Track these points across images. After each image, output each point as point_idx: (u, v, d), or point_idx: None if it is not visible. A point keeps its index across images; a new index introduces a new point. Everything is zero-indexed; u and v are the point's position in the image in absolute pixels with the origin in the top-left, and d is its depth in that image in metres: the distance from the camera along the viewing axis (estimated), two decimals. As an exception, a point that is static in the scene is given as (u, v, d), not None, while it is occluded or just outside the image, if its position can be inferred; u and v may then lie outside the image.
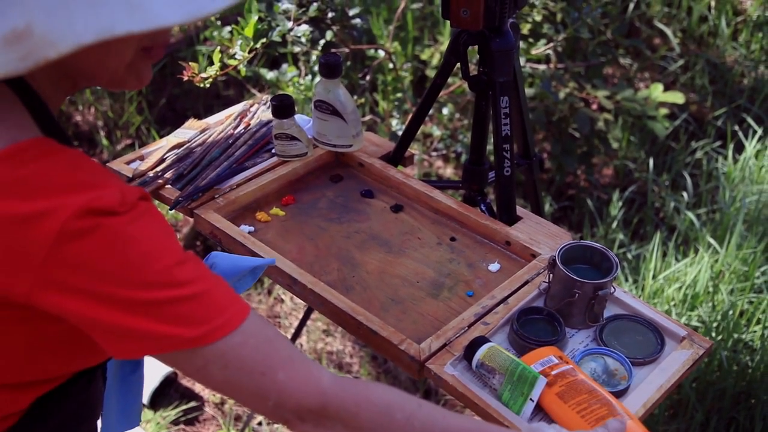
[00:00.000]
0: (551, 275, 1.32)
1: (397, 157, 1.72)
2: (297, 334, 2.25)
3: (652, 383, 1.21)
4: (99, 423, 1.22)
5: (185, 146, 1.68)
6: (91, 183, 0.85)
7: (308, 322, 2.62)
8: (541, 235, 1.49)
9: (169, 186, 1.58)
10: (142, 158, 1.67)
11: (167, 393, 2.40)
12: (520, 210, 1.57)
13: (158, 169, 1.61)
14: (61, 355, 0.97)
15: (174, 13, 0.78)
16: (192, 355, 0.88)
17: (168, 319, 0.86)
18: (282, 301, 2.71)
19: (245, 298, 2.69)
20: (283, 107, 1.59)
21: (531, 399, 1.14)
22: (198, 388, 2.44)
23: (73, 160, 0.87)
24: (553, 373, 1.17)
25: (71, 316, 0.86)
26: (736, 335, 2.35)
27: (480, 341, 1.22)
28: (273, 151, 1.67)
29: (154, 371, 2.35)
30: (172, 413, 2.31)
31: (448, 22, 3.29)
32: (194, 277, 0.89)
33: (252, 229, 1.52)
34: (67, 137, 0.94)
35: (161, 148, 1.67)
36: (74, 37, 0.76)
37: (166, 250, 0.88)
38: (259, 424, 2.35)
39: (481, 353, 1.19)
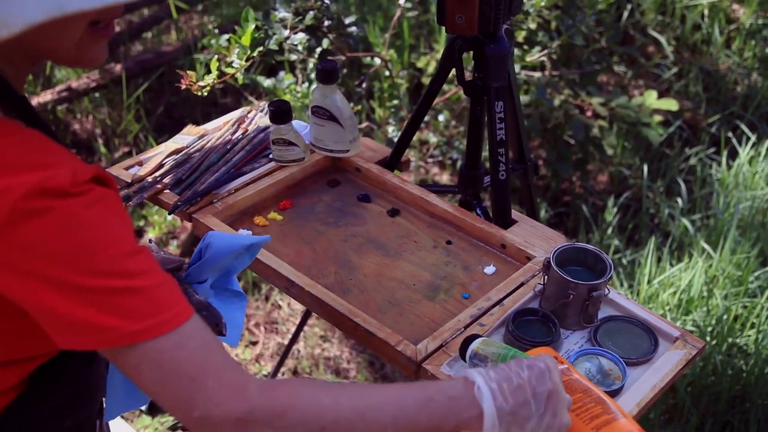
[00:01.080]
0: (546, 277, 1.34)
1: (394, 162, 1.74)
2: (294, 340, 2.27)
3: (645, 383, 1.23)
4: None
5: (184, 152, 1.69)
6: (42, 163, 0.85)
7: (305, 328, 2.63)
8: (536, 238, 1.50)
9: (167, 191, 1.59)
10: (140, 164, 1.69)
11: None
12: (515, 213, 1.59)
13: (157, 174, 1.63)
14: (30, 335, 0.96)
15: None
16: (129, 352, 0.88)
17: (111, 309, 0.86)
18: (279, 307, 2.72)
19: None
20: (281, 113, 1.61)
21: None
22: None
23: (26, 141, 0.87)
24: (548, 372, 1.18)
25: (18, 298, 0.86)
26: (730, 339, 2.37)
27: (472, 337, 1.22)
28: (271, 156, 1.69)
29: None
30: (170, 419, 2.32)
31: (443, 31, 3.32)
32: (143, 269, 0.88)
33: (250, 233, 1.53)
34: (34, 115, 0.95)
35: (160, 153, 1.69)
36: (25, 17, 0.77)
37: (119, 239, 0.87)
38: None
39: (474, 345, 1.21)
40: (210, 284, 1.22)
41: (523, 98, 3.03)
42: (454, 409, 0.97)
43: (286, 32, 2.02)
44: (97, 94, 3.40)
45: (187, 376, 0.89)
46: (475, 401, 0.98)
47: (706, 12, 3.99)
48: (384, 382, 2.49)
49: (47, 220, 0.83)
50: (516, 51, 2.81)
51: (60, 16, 0.78)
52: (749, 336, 2.41)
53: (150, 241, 1.36)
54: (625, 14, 3.83)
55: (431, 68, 3.28)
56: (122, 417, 2.32)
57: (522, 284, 1.40)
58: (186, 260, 1.26)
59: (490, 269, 1.47)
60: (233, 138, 1.73)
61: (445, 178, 3.21)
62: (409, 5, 3.32)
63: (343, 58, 2.56)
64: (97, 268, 0.85)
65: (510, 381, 0.99)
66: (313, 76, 2.72)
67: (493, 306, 1.35)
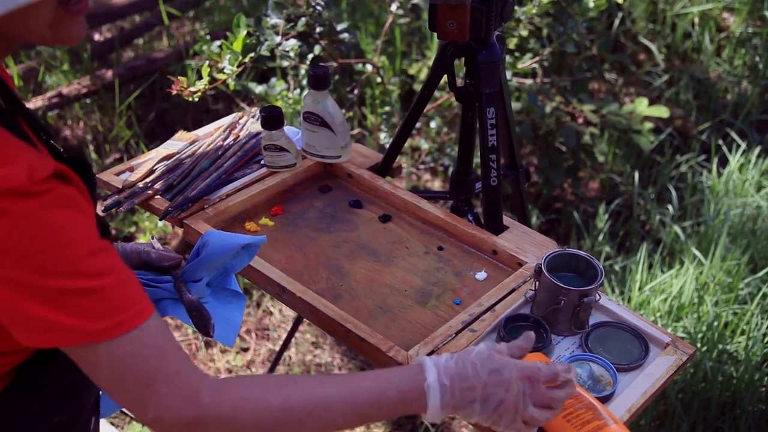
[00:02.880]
0: (537, 283, 1.34)
1: (386, 168, 1.74)
2: (285, 346, 2.26)
3: (636, 388, 1.23)
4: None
5: (175, 157, 1.69)
6: None
7: (297, 335, 2.62)
8: (528, 244, 1.51)
9: (158, 197, 1.59)
10: (131, 169, 1.68)
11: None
12: (506, 220, 1.59)
13: (148, 180, 1.62)
14: None
15: None
16: (86, 352, 0.89)
17: (68, 309, 0.86)
18: (270, 313, 2.71)
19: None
20: (272, 118, 1.61)
21: None
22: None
23: None
24: (540, 378, 1.18)
25: None
26: (720, 346, 2.38)
27: None
28: (262, 162, 1.69)
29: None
30: (160, 426, 2.31)
31: (435, 37, 3.32)
32: (103, 269, 0.89)
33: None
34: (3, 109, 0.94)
35: (151, 159, 1.69)
36: None
37: (78, 240, 0.87)
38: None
39: None
40: (206, 283, 1.22)
41: (515, 105, 3.04)
42: (404, 402, 1.00)
43: (278, 38, 2.03)
44: (88, 100, 3.39)
45: (140, 381, 0.91)
46: (423, 394, 1.00)
47: (696, 20, 4.01)
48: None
49: (2, 222, 0.82)
50: (507, 58, 2.82)
51: (15, 8, 0.79)
52: (739, 343, 2.42)
53: (152, 237, 1.35)
54: (616, 22, 3.85)
55: (423, 75, 3.29)
56: (112, 423, 2.31)
57: (513, 290, 1.40)
58: (184, 257, 1.26)
59: (481, 275, 1.47)
60: (225, 144, 1.73)
61: (436, 184, 3.22)
62: (400, 12, 3.32)
63: (335, 64, 2.56)
64: (56, 269, 0.85)
65: (465, 380, 1.01)
66: (304, 82, 2.72)
67: (485, 312, 1.35)
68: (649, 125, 3.23)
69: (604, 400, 1.21)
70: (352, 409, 0.98)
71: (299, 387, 0.98)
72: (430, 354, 1.26)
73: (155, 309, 0.94)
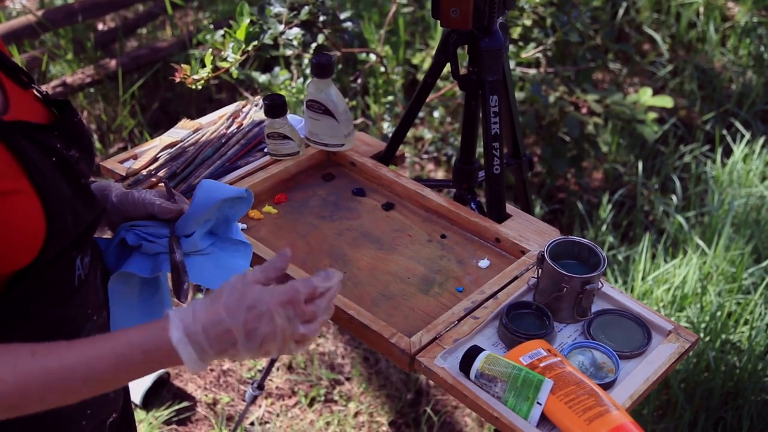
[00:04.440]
0: (540, 270, 1.34)
1: (389, 156, 1.74)
2: (289, 335, 2.27)
3: (638, 376, 1.23)
4: None
5: (178, 145, 1.69)
6: None
7: (300, 324, 2.62)
8: (530, 232, 1.51)
9: (162, 184, 1.59)
10: (135, 157, 1.68)
11: (160, 393, 2.41)
12: (509, 208, 1.59)
13: (151, 167, 1.62)
14: None
15: None
16: None
17: None
18: (274, 302, 2.72)
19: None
20: (276, 106, 1.61)
21: (538, 402, 1.14)
22: (190, 388, 2.45)
23: None
24: (542, 365, 1.18)
25: None
26: (724, 336, 2.38)
27: (475, 351, 1.21)
28: (265, 150, 1.69)
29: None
30: (164, 413, 2.32)
31: (439, 27, 3.32)
32: None
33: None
34: None
35: (154, 147, 1.69)
36: None
37: None
38: (252, 424, 2.36)
39: (479, 363, 1.19)
40: (201, 235, 1.21)
41: (518, 95, 3.03)
42: (153, 361, 0.95)
43: (281, 27, 2.02)
44: (92, 90, 3.39)
45: None
46: (173, 351, 0.94)
47: (701, 10, 4.00)
48: (378, 378, 2.50)
49: None
50: (511, 47, 2.82)
51: None
52: (743, 332, 2.42)
53: (164, 179, 1.32)
54: (621, 11, 3.84)
55: (426, 64, 3.28)
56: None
57: (516, 278, 1.40)
58: (185, 208, 1.23)
59: (484, 263, 1.47)
60: (228, 132, 1.73)
61: (440, 174, 3.22)
62: (404, 1, 3.32)
63: (338, 53, 2.56)
64: None
65: (219, 324, 0.95)
66: (308, 71, 2.72)
67: (487, 299, 1.35)
68: (653, 115, 3.22)
69: (606, 386, 1.21)
70: (94, 375, 0.93)
71: (36, 360, 0.93)
72: (432, 341, 1.26)
73: None
